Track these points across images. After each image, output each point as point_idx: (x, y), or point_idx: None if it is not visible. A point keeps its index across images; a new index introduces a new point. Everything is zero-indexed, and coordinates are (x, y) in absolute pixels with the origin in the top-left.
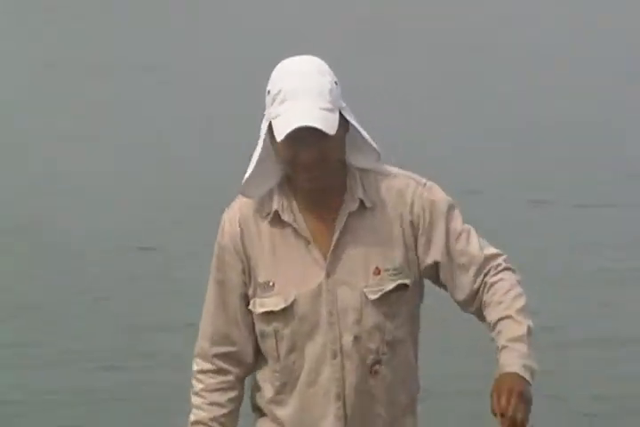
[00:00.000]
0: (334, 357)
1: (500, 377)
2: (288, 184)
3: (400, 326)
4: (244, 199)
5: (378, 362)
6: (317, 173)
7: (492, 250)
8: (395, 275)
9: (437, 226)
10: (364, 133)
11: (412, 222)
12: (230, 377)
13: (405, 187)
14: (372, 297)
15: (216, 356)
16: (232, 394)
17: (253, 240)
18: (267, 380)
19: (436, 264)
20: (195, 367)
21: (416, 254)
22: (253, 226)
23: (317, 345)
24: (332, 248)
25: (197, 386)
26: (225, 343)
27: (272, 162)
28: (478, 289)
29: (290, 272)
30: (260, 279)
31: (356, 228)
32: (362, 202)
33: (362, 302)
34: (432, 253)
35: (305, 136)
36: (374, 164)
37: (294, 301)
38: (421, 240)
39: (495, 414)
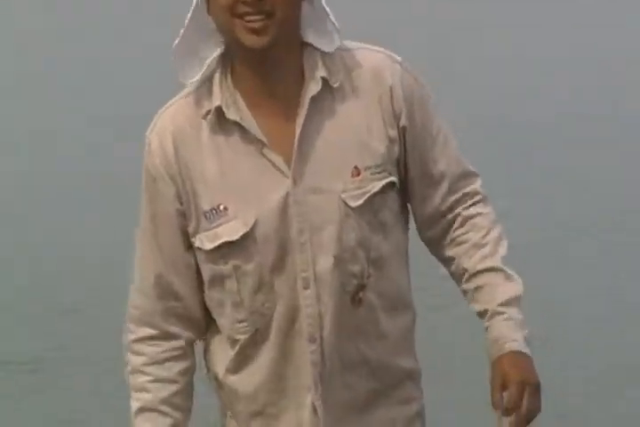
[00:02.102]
0: (306, 287)
1: (505, 360)
2: (230, 74)
3: (386, 237)
4: (177, 103)
5: (362, 288)
6: (262, 20)
7: (468, 166)
8: (378, 173)
9: (416, 123)
10: (327, 9)
11: (393, 110)
12: (180, 342)
13: (381, 64)
14: (355, 204)
15: (159, 315)
16: (183, 365)
17: (193, 157)
18: (224, 340)
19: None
20: (128, 337)
21: (402, 147)
22: (190, 136)
23: (289, 275)
24: (295, 147)
25: (136, 360)
26: (168, 298)
27: (206, 37)
28: (446, 213)
29: (245, 188)
30: (206, 206)
31: (322, 117)
32: (325, 81)
33: (341, 211)
34: (408, 159)
35: None
36: (333, 39)
37: (255, 223)
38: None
39: (500, 409)
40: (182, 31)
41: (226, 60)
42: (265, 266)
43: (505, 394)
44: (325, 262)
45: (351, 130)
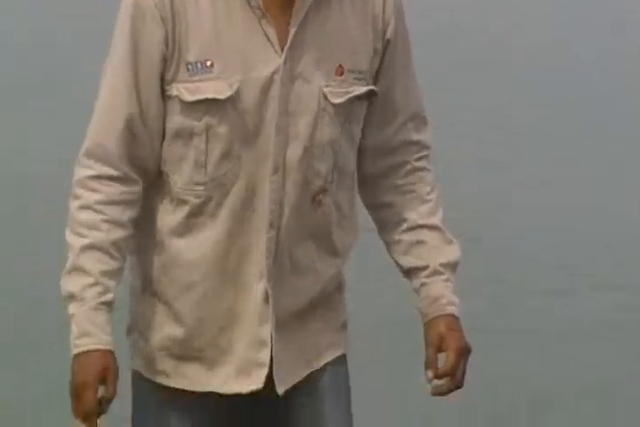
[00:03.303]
0: (275, 171)
1: (446, 322)
2: None
3: (351, 150)
4: None
5: (323, 191)
6: None
7: (424, 109)
8: (358, 80)
9: (398, 41)
10: None
11: (383, 21)
12: (137, 188)
13: None
14: (335, 100)
15: (123, 158)
16: (135, 212)
17: (188, 5)
18: (172, 199)
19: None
20: (83, 172)
21: (380, 62)
22: None
23: (258, 153)
24: (293, 31)
25: (90, 196)
26: (133, 141)
27: None
28: (394, 151)
29: (235, 51)
30: (192, 57)
31: (322, 12)
32: None
33: (320, 104)
34: (380, 75)
35: None
36: None
37: (238, 90)
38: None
39: (430, 373)
40: None
41: None
42: (237, 136)
43: (440, 356)
44: (295, 151)
45: (344, 31)
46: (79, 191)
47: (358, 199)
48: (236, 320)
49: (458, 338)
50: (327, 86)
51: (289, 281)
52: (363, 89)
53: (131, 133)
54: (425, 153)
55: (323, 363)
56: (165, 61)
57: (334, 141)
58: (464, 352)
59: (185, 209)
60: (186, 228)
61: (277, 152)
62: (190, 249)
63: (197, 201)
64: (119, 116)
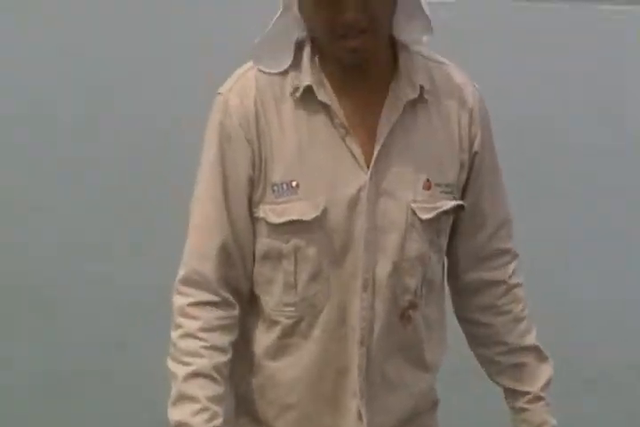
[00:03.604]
0: (365, 288)
1: None
2: (318, 58)
3: (439, 263)
4: (256, 72)
5: (413, 306)
6: (363, 41)
7: (510, 211)
8: (446, 193)
9: (485, 153)
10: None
11: (470, 134)
12: (234, 312)
13: (465, 86)
14: (424, 216)
15: (220, 282)
16: (233, 336)
17: (272, 126)
18: (264, 320)
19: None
20: (183, 300)
21: (468, 175)
22: (272, 106)
23: (347, 271)
24: (379, 146)
25: (191, 325)
26: (228, 266)
27: (294, 29)
28: (486, 262)
29: (319, 171)
30: (277, 178)
31: (409, 124)
32: (422, 90)
33: (408, 220)
34: (469, 187)
35: None
36: (422, 38)
37: (325, 210)
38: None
39: None
40: (271, 24)
41: (313, 43)
42: (326, 256)
43: None
44: (385, 267)
45: (430, 143)
46: (180, 320)
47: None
48: None
49: None
50: (415, 202)
51: (380, 398)
52: (451, 204)
53: (225, 257)
54: (516, 264)
55: None
56: (252, 183)
57: (423, 256)
58: None
59: (277, 330)
60: (279, 349)
61: (366, 269)
62: (285, 370)
63: (289, 322)
64: (213, 241)
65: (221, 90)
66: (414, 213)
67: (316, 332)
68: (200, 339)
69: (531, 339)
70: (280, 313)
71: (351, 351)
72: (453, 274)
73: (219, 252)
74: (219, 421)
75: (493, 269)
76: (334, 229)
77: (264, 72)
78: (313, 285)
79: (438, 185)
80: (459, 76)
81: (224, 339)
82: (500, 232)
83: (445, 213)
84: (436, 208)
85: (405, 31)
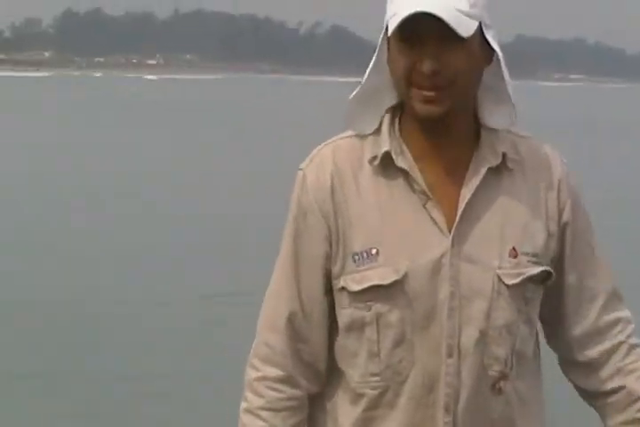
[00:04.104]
0: (450, 355)
1: None
2: (399, 123)
3: (531, 334)
4: (337, 142)
5: (504, 377)
6: (437, 92)
7: (616, 282)
8: (534, 263)
9: (578, 224)
10: (507, 77)
11: (558, 204)
12: (302, 392)
13: (551, 157)
14: (510, 282)
15: (289, 358)
16: (298, 418)
17: (349, 197)
18: (349, 394)
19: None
20: (253, 374)
21: (560, 246)
22: (350, 177)
23: (431, 337)
24: (460, 211)
25: (254, 401)
26: (299, 340)
27: (384, 91)
28: (603, 334)
29: (400, 237)
30: (358, 247)
31: (492, 190)
32: (504, 157)
33: (494, 287)
34: (565, 260)
35: (426, 35)
36: (506, 124)
37: (406, 274)
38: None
39: None
40: (364, 80)
41: (396, 109)
42: (409, 322)
43: None
44: (471, 335)
45: (516, 212)
46: (247, 394)
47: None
48: None
49: None
50: (501, 268)
51: None
52: (537, 269)
53: (294, 331)
54: (631, 327)
55: None
56: (330, 258)
57: (511, 325)
58: None
59: (363, 403)
60: (365, 422)
61: (450, 336)
62: None
63: (375, 393)
64: (281, 315)
65: (302, 166)
66: (500, 279)
67: (402, 400)
68: (261, 418)
69: None
70: (365, 384)
71: (437, 419)
72: (572, 354)
73: (286, 324)
74: None
75: (610, 339)
76: (416, 294)
77: (347, 137)
78: (397, 351)
79: (525, 254)
80: (546, 149)
81: (286, 421)
82: (608, 306)
83: (532, 279)
84: (522, 273)
85: (491, 117)
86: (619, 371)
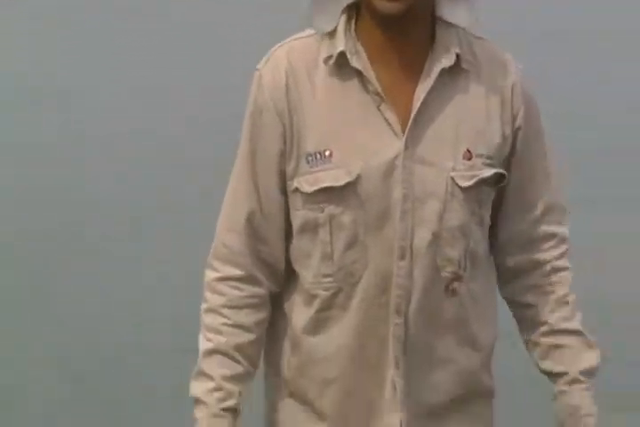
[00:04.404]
0: (402, 257)
1: None
2: (355, 23)
3: (483, 237)
4: (292, 43)
5: (458, 278)
6: None
7: (563, 197)
8: (488, 165)
9: (531, 129)
10: None
11: (512, 108)
12: (262, 290)
13: (508, 61)
14: (464, 184)
15: (248, 257)
16: (261, 315)
17: (304, 96)
18: (303, 295)
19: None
20: (211, 275)
21: (511, 150)
22: (304, 77)
23: (384, 239)
24: (414, 112)
25: (215, 300)
26: (258, 240)
27: None
28: (533, 246)
29: (354, 138)
30: (311, 148)
31: (446, 92)
32: (458, 58)
33: (448, 189)
34: (513, 164)
35: None
36: (464, 23)
37: (359, 176)
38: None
39: None
40: None
41: (351, 9)
42: (362, 224)
43: None
44: (423, 237)
45: (470, 114)
46: (206, 294)
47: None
48: (374, 411)
49: None
50: (455, 170)
51: (424, 373)
52: (491, 171)
53: (252, 230)
54: (565, 248)
55: None
56: (284, 157)
57: (465, 226)
58: None
59: (315, 304)
60: (318, 323)
61: (404, 238)
62: (324, 345)
63: (327, 293)
64: (240, 214)
65: (258, 66)
66: (454, 181)
67: (355, 302)
68: (223, 316)
69: (575, 324)
70: (318, 286)
71: (390, 321)
72: (500, 257)
73: (245, 224)
74: (233, 401)
75: (540, 251)
76: (369, 196)
77: (303, 38)
78: (350, 253)
79: (479, 156)
80: (501, 53)
81: (249, 318)
82: (549, 216)
83: (485, 181)
84: (475, 176)
85: (448, 14)
86: (535, 288)
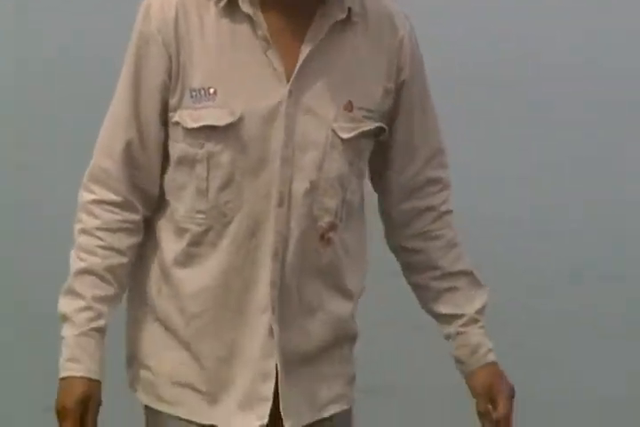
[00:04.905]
0: (280, 204)
1: (491, 371)
2: None
3: (359, 187)
4: None
5: (333, 228)
6: None
7: (443, 141)
8: (368, 118)
9: (416, 82)
10: None
11: (398, 62)
12: (137, 216)
13: (396, 15)
14: (345, 136)
15: (124, 183)
16: (134, 239)
17: (192, 31)
18: (174, 228)
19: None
20: (87, 197)
21: (395, 103)
22: (195, 14)
23: (261, 184)
24: (300, 62)
25: (90, 222)
26: (135, 167)
27: None
28: (419, 191)
29: (239, 80)
30: (196, 84)
31: (334, 44)
32: (350, 11)
33: (328, 139)
34: (397, 116)
35: None
36: None
37: (241, 118)
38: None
39: (483, 417)
40: None
41: None
42: (239, 165)
43: (490, 407)
44: (301, 185)
45: (355, 66)
46: (81, 215)
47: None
48: (240, 353)
49: (506, 384)
50: (336, 121)
51: (297, 320)
52: (373, 125)
53: (130, 157)
54: (448, 193)
55: (330, 413)
56: (168, 88)
57: (343, 177)
58: (513, 395)
59: (186, 238)
60: (187, 257)
61: (282, 184)
62: (192, 279)
63: (198, 229)
64: (118, 141)
65: None
66: (335, 132)
67: (225, 241)
68: (97, 237)
69: (464, 264)
70: (190, 220)
71: (261, 265)
72: (387, 207)
73: (123, 151)
74: (102, 321)
75: (425, 197)
76: (250, 138)
77: None
78: (224, 193)
79: (360, 108)
80: (390, 7)
81: (123, 241)
82: (432, 162)
83: (365, 134)
84: (357, 128)
85: None
86: (423, 234)
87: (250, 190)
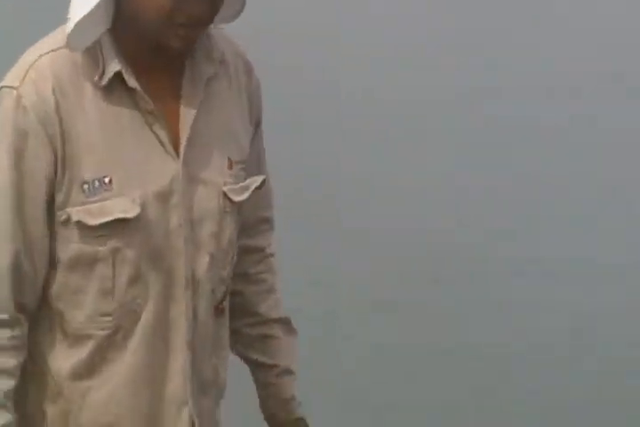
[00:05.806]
0: (187, 287)
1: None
2: (122, 38)
3: (238, 241)
4: (53, 55)
5: (225, 297)
6: (198, 32)
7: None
8: (243, 169)
9: (260, 128)
10: None
11: (256, 110)
12: (23, 330)
13: (248, 60)
14: (238, 198)
15: (11, 300)
16: (22, 358)
17: (76, 117)
18: (69, 338)
19: None
20: None
21: (251, 142)
22: (74, 97)
23: (164, 271)
24: (188, 131)
25: None
26: (22, 282)
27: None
28: (248, 227)
29: (130, 163)
30: (89, 175)
31: (209, 103)
32: (218, 64)
33: (221, 206)
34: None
35: None
36: (231, 18)
37: (142, 204)
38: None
39: None
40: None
41: (112, 30)
42: (144, 256)
43: None
44: (203, 261)
45: (228, 120)
46: None
47: None
48: None
49: None
50: (225, 184)
51: (200, 402)
52: (259, 180)
53: (17, 273)
54: (272, 233)
55: None
56: (53, 185)
57: (232, 242)
58: None
59: (88, 346)
60: (91, 366)
61: (187, 265)
62: (98, 388)
63: (103, 333)
64: (4, 256)
65: (9, 82)
66: (226, 196)
67: (134, 341)
68: None
69: (281, 311)
70: (94, 326)
71: (174, 357)
72: None
73: (10, 267)
74: None
75: (253, 236)
76: (151, 225)
77: (60, 49)
78: (132, 289)
79: (237, 163)
80: (242, 52)
81: (12, 361)
82: (263, 200)
83: (255, 190)
84: (246, 188)
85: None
86: (246, 276)
87: (156, 279)
